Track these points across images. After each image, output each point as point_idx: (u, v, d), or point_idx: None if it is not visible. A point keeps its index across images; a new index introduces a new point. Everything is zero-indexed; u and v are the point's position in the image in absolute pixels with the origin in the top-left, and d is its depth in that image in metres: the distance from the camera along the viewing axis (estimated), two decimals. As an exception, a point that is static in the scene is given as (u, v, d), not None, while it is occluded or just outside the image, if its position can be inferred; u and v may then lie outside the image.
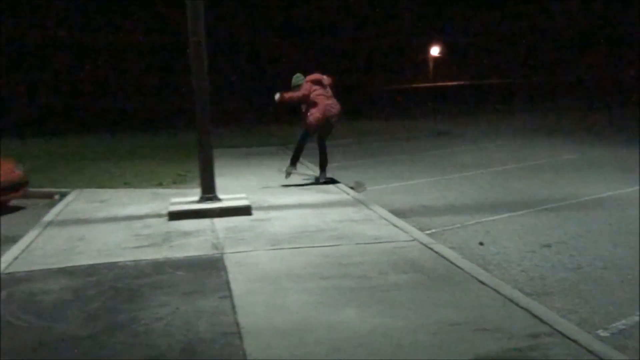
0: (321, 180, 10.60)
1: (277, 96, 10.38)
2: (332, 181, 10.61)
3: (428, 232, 7.41)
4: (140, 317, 4.81)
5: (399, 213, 8.33)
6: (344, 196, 9.46)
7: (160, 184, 11.11)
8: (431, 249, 6.41)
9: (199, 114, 8.52)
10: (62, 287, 5.61)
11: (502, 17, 51.36)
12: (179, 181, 11.38)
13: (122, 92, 35.35)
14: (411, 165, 13.42)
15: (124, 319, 4.79)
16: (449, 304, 4.88)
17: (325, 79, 10.52)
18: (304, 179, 10.98)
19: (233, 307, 4.96)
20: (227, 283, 5.54)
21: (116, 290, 5.45)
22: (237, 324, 4.59)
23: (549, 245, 6.86)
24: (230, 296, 5.20)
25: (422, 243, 6.64)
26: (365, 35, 49.25)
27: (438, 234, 7.44)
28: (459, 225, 7.91)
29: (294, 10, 45.31)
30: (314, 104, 10.25)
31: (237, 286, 5.44)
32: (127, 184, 11.23)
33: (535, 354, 3.96)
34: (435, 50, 27.50)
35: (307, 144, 10.63)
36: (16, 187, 10.10)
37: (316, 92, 10.28)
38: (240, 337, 4.36)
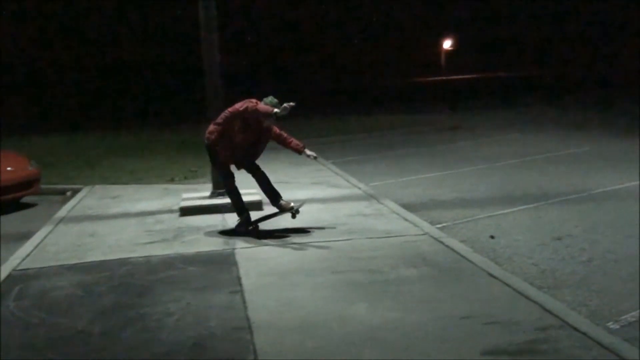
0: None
1: None
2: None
3: (439, 225, 7.40)
4: (152, 312, 4.85)
5: (410, 207, 8.32)
6: (356, 191, 9.46)
7: (171, 180, 11.17)
8: (442, 242, 6.41)
9: (210, 112, 8.52)
10: (73, 283, 5.65)
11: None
12: (190, 177, 11.44)
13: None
14: (422, 158, 13.39)
15: (135, 314, 4.83)
16: (459, 298, 4.88)
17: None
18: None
19: (244, 302, 4.98)
20: (239, 278, 5.57)
21: (127, 286, 5.49)
22: (248, 319, 4.61)
23: (559, 238, 6.83)
24: (241, 291, 5.22)
25: (433, 237, 6.63)
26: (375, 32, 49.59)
27: (449, 227, 7.43)
28: (469, 218, 7.89)
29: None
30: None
31: (248, 281, 5.47)
32: (138, 180, 11.29)
33: (546, 346, 3.96)
34: (447, 44, 27.18)
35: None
36: (29, 184, 10.20)
37: None
38: (251, 332, 4.38)
